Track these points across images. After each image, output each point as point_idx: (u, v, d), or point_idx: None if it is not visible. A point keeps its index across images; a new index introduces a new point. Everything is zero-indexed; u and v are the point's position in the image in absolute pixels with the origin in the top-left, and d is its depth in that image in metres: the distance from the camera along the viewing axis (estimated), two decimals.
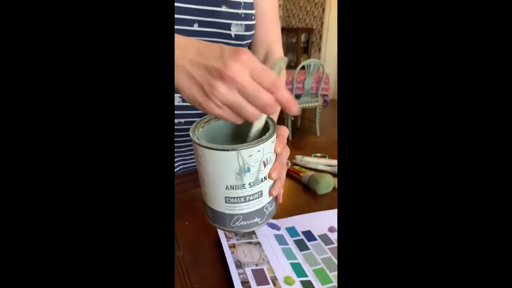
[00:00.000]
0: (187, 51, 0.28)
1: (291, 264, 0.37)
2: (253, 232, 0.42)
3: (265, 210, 0.35)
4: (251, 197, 0.32)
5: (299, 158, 0.66)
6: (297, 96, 2.84)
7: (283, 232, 0.43)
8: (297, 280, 0.34)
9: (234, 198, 0.32)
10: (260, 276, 0.34)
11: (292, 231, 0.44)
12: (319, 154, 0.71)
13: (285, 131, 0.36)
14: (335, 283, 0.34)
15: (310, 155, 0.68)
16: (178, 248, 0.40)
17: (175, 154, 0.61)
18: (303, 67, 2.69)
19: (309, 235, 0.43)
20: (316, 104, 2.91)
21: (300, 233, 0.43)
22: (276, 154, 0.34)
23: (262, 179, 0.32)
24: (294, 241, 0.42)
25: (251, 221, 0.34)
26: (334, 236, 0.43)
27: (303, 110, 3.45)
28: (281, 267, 0.36)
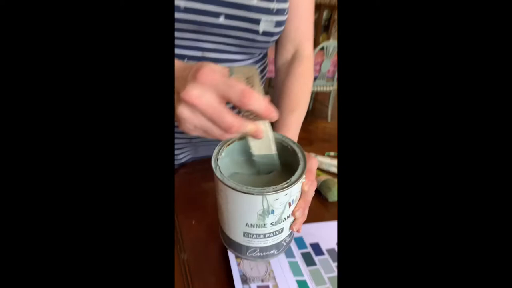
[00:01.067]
0: None
1: (297, 281, 0.36)
2: None
3: (283, 242, 0.34)
4: (271, 234, 0.31)
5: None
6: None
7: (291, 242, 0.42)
8: None
9: (253, 234, 0.31)
10: None
11: (300, 242, 0.43)
12: (332, 153, 0.69)
13: (314, 165, 0.34)
14: None
15: (321, 151, 0.66)
16: (183, 250, 0.39)
17: (185, 144, 0.59)
18: (322, 48, 2.59)
19: (317, 248, 0.42)
20: (331, 88, 2.84)
21: (308, 245, 0.42)
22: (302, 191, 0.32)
23: (285, 218, 0.31)
24: (302, 254, 0.41)
25: (267, 253, 0.33)
26: None
27: (316, 93, 3.38)
28: (287, 285, 0.35)
